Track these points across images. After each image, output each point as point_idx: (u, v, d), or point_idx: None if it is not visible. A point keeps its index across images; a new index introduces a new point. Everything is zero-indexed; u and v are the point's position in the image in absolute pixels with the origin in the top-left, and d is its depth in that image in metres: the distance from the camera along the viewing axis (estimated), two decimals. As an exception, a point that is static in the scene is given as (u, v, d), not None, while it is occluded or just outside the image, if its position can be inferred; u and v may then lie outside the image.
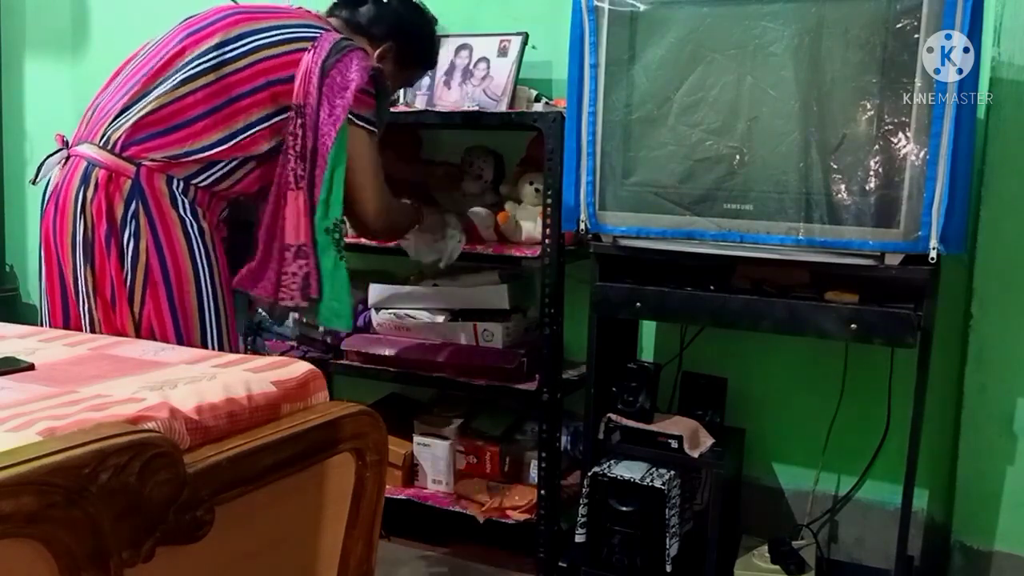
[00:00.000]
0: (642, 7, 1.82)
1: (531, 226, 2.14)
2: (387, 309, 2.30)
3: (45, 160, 1.77)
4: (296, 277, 1.71)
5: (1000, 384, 1.98)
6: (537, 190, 2.13)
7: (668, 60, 1.80)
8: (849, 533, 2.20)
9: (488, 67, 2.26)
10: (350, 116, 1.71)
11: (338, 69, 1.69)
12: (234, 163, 1.71)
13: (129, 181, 1.64)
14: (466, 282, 2.28)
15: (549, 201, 2.02)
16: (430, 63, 2.10)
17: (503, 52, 2.25)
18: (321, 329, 2.30)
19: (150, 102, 1.67)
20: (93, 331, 1.67)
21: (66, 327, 1.72)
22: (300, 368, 1.29)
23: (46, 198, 1.74)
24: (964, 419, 2.01)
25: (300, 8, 1.89)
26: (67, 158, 1.73)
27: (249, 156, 1.71)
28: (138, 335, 1.65)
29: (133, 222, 1.64)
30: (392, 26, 1.90)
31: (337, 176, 1.70)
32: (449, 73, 2.29)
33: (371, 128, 1.77)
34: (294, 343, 2.38)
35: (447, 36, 2.34)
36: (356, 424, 1.26)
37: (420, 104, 2.31)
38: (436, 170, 2.35)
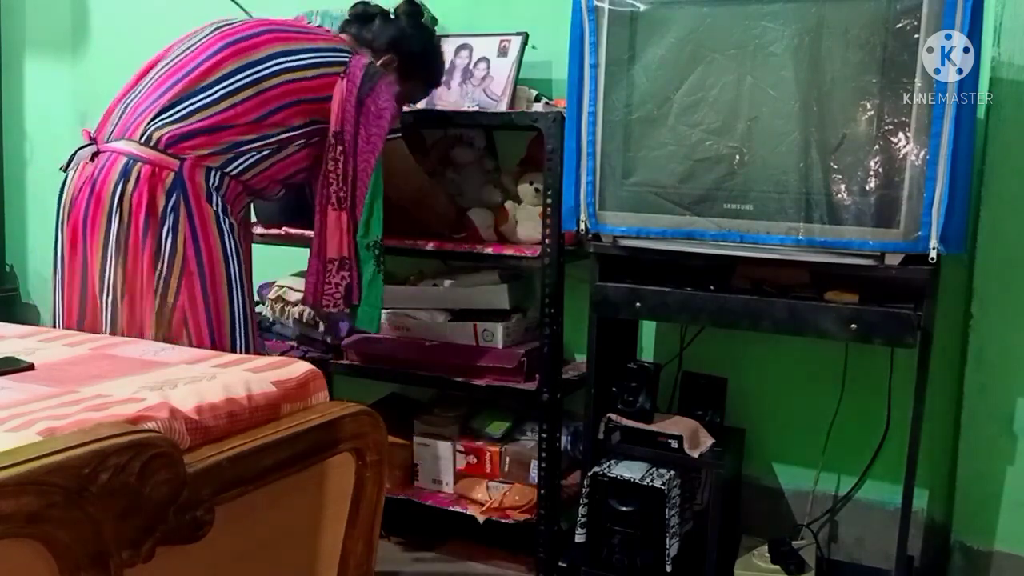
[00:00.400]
0: (642, 7, 1.81)
1: (531, 226, 2.14)
2: (387, 309, 2.30)
3: (77, 151, 1.81)
4: (340, 287, 1.90)
5: (1000, 384, 1.98)
6: (537, 190, 2.13)
7: (668, 60, 1.80)
8: (849, 533, 2.20)
9: (488, 67, 2.26)
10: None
11: (372, 98, 1.85)
12: (262, 155, 1.81)
13: (172, 174, 1.72)
14: (466, 282, 2.28)
15: (549, 201, 2.02)
16: (431, 79, 2.15)
17: (503, 52, 2.25)
18: (321, 329, 2.30)
19: (195, 108, 1.76)
20: (113, 323, 1.72)
21: (81, 317, 1.76)
22: (300, 368, 1.30)
23: (74, 192, 1.76)
24: (964, 419, 2.01)
25: (322, 27, 2.03)
26: (96, 153, 1.77)
27: (277, 151, 1.83)
28: (168, 327, 1.71)
29: (173, 215, 1.71)
30: (394, 39, 2.02)
31: (378, 199, 1.88)
32: (449, 73, 2.29)
33: (398, 136, 1.97)
34: (294, 343, 2.38)
35: (447, 36, 2.34)
36: (356, 424, 1.26)
37: (420, 104, 2.31)
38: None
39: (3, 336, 1.44)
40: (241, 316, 1.80)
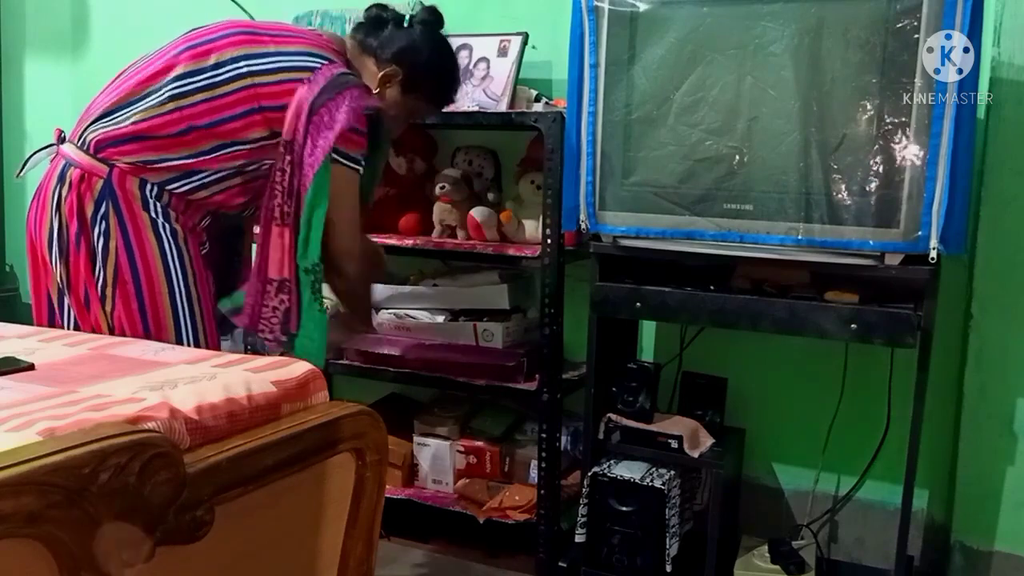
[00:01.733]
0: (642, 7, 1.82)
1: (532, 225, 2.14)
2: (387, 309, 2.31)
3: (32, 154, 1.79)
4: (277, 312, 1.72)
5: (1000, 384, 1.98)
6: (538, 188, 2.13)
7: (668, 60, 1.80)
8: (849, 533, 2.21)
9: (488, 67, 2.26)
10: (334, 155, 1.67)
11: (327, 107, 1.66)
12: (215, 175, 1.71)
13: (101, 181, 1.67)
14: (466, 282, 2.28)
15: (549, 201, 2.02)
16: (439, 99, 1.93)
17: (503, 52, 2.25)
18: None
19: (135, 112, 1.68)
20: (72, 327, 1.70)
21: (51, 323, 1.75)
22: (300, 368, 1.29)
23: (36, 189, 1.76)
24: (964, 419, 2.01)
25: (313, 31, 1.85)
26: (56, 155, 1.75)
27: (230, 170, 1.72)
28: (111, 335, 1.65)
29: (103, 222, 1.65)
30: (403, 50, 1.82)
31: (316, 217, 1.68)
32: (449, 73, 2.29)
33: (354, 167, 1.73)
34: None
35: (447, 36, 2.34)
36: (356, 424, 1.26)
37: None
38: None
39: (3, 336, 1.44)
40: (188, 325, 1.71)
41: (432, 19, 1.87)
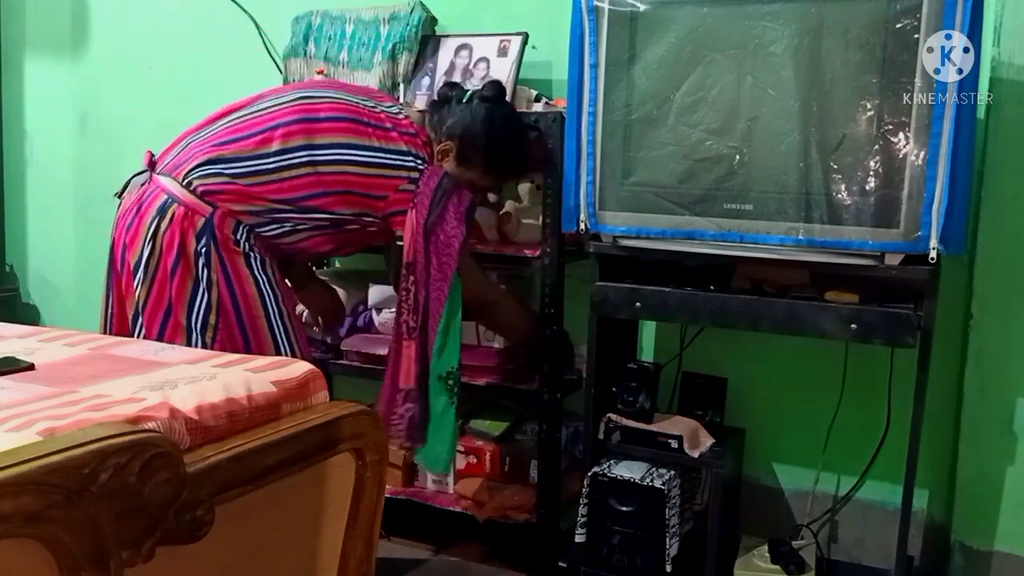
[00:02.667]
0: (642, 7, 1.81)
1: (532, 225, 2.14)
2: (388, 309, 2.30)
3: (132, 178, 1.93)
4: (403, 419, 1.87)
5: (1000, 384, 1.98)
6: (538, 187, 2.13)
7: (668, 60, 1.80)
8: (849, 533, 2.20)
9: (488, 67, 2.26)
10: None
11: (440, 227, 1.83)
12: (303, 225, 1.86)
13: (203, 220, 1.81)
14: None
15: (549, 201, 2.02)
16: (496, 169, 1.99)
17: (503, 52, 2.25)
18: (316, 330, 2.30)
19: (243, 172, 1.82)
20: (138, 333, 1.84)
21: (116, 324, 1.90)
22: (300, 368, 1.29)
23: (123, 210, 1.89)
24: (964, 419, 2.01)
25: (407, 120, 1.93)
26: (149, 179, 1.88)
27: (319, 221, 1.87)
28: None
29: (204, 256, 1.81)
30: (455, 125, 1.92)
31: (453, 327, 1.86)
32: (449, 73, 2.29)
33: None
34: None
35: (447, 36, 2.34)
36: (356, 424, 1.26)
37: (420, 105, 2.31)
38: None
39: (3, 336, 1.44)
40: (285, 342, 1.86)
41: (491, 95, 1.97)
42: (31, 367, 1.24)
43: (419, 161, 1.86)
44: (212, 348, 1.78)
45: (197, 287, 1.81)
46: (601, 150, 1.87)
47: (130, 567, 0.94)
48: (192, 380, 1.18)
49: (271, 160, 1.82)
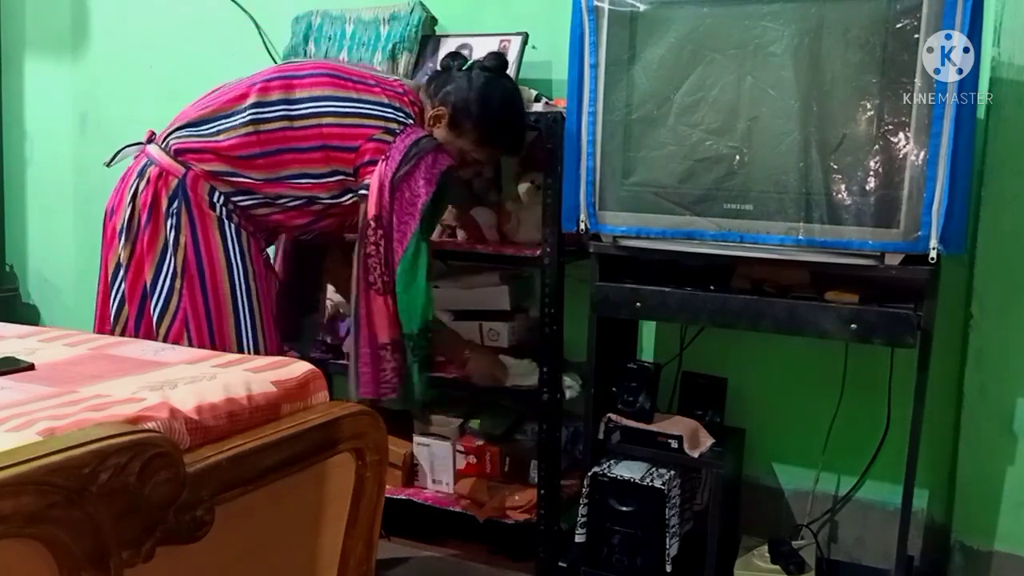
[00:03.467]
0: (642, 7, 1.81)
1: (532, 225, 2.14)
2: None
3: (123, 148, 1.96)
4: (397, 372, 1.83)
5: (1000, 384, 1.98)
6: (538, 188, 2.13)
7: (668, 60, 1.80)
8: (849, 533, 2.20)
9: (488, 67, 2.25)
10: None
11: (407, 183, 1.78)
12: (273, 198, 1.85)
13: (176, 180, 1.81)
14: (467, 283, 2.28)
15: (549, 201, 2.02)
16: (486, 138, 1.93)
17: (503, 52, 2.24)
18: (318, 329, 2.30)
19: (217, 128, 1.82)
20: (121, 299, 1.86)
21: (108, 288, 1.89)
22: (300, 368, 1.29)
23: (116, 183, 1.92)
24: (964, 419, 2.01)
25: (397, 81, 1.93)
26: (141, 152, 1.91)
27: (293, 197, 1.85)
28: (169, 328, 1.81)
29: (175, 217, 1.81)
30: (450, 92, 1.90)
31: (416, 288, 1.80)
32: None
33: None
34: (294, 343, 2.38)
35: (447, 36, 2.34)
36: (356, 424, 1.26)
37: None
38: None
39: (3, 336, 1.44)
40: (247, 319, 1.84)
41: (493, 65, 1.95)
42: (31, 367, 1.24)
43: (400, 114, 1.83)
44: (175, 315, 1.80)
45: (166, 250, 1.80)
46: (601, 150, 1.87)
47: (130, 567, 0.94)
48: (192, 380, 1.18)
49: (247, 113, 1.81)
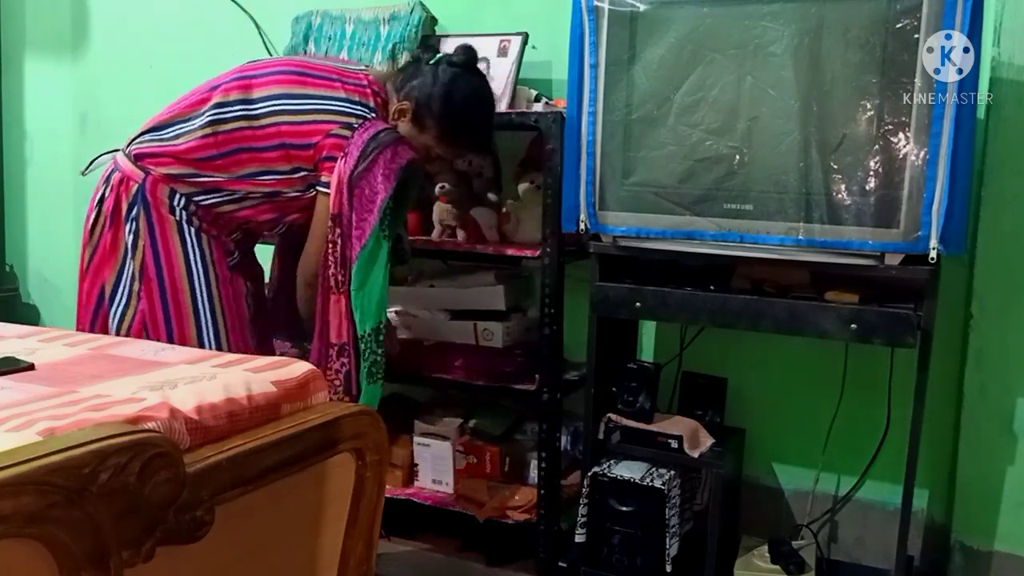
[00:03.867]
0: (642, 7, 1.81)
1: (532, 225, 2.14)
2: (388, 309, 2.30)
3: (98, 156, 1.98)
4: (339, 375, 1.80)
5: (1000, 384, 1.98)
6: (538, 188, 2.13)
7: (668, 60, 1.80)
8: (849, 533, 2.20)
9: (488, 67, 2.25)
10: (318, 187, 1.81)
11: (366, 180, 1.75)
12: (238, 194, 1.84)
13: (136, 185, 1.82)
14: (463, 283, 2.28)
15: (549, 201, 2.02)
16: (448, 135, 1.89)
17: (503, 52, 2.25)
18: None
19: (177, 132, 1.82)
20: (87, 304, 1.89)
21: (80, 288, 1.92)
22: (300, 368, 1.30)
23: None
24: (964, 419, 2.01)
25: (363, 73, 1.89)
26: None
27: (256, 193, 1.84)
28: (129, 325, 1.82)
29: (135, 222, 1.81)
30: (415, 86, 1.87)
31: (371, 285, 1.77)
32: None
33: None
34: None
35: (447, 36, 2.34)
36: (356, 424, 1.26)
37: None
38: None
39: (3, 336, 1.44)
40: (209, 322, 1.82)
41: (460, 60, 1.90)
42: (31, 367, 1.24)
43: (361, 109, 1.80)
44: (132, 319, 1.81)
45: (125, 255, 1.82)
46: (601, 150, 1.87)
47: (130, 567, 0.94)
48: (192, 380, 1.18)
49: (207, 115, 1.80)
